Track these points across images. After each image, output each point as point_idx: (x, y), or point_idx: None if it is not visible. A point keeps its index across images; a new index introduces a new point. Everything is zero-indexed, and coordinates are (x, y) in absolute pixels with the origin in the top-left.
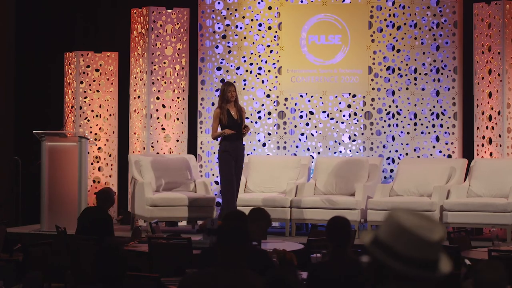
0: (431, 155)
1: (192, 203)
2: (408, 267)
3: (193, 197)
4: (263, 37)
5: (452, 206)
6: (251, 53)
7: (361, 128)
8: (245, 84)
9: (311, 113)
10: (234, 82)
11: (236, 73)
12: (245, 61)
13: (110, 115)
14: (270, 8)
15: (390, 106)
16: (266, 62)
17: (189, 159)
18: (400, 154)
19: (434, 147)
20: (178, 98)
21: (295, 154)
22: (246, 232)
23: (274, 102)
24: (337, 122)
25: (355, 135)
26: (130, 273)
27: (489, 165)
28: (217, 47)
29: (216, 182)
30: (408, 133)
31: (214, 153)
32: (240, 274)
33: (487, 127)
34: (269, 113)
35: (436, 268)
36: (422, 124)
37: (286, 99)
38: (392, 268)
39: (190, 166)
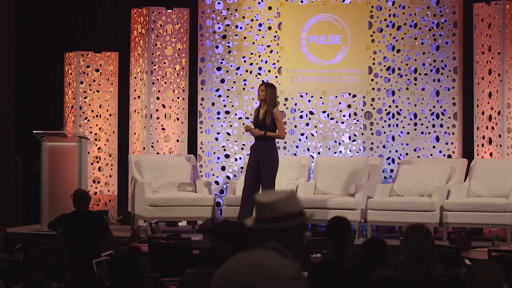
0: (431, 155)
1: (192, 203)
2: (259, 225)
3: (193, 197)
4: (263, 37)
5: (452, 206)
6: (251, 53)
7: (361, 128)
8: (245, 84)
9: (311, 113)
10: (234, 82)
11: (236, 73)
12: (245, 61)
13: (110, 115)
14: (270, 8)
15: (390, 106)
16: (266, 62)
17: (189, 159)
18: (400, 154)
19: (434, 147)
20: (178, 98)
21: (295, 154)
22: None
23: None
24: (337, 122)
25: (355, 135)
26: None
27: (489, 165)
28: (217, 47)
29: (216, 182)
30: (408, 133)
31: (214, 153)
32: None
33: (487, 127)
34: None
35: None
36: (422, 124)
37: (286, 99)
38: (248, 228)
39: (190, 166)
